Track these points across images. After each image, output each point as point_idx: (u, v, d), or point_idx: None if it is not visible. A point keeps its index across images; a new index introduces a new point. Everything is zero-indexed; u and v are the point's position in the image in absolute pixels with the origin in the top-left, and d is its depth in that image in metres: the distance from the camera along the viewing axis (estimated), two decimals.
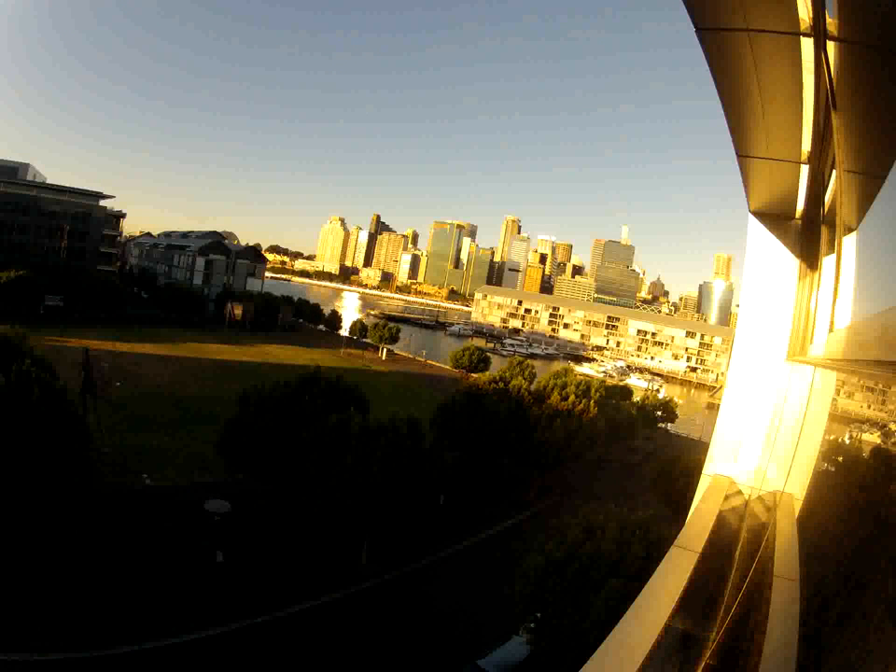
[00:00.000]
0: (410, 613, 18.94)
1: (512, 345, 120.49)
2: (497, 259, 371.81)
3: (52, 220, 71.74)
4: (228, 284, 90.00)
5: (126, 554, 18.80)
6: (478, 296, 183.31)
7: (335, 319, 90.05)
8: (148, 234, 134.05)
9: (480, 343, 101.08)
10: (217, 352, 57.77)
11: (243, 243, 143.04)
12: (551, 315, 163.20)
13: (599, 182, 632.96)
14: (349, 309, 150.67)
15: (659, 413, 55.32)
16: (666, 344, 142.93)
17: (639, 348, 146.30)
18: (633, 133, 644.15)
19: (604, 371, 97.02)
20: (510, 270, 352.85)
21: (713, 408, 78.22)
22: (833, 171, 3.66)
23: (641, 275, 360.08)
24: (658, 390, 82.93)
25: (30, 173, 79.28)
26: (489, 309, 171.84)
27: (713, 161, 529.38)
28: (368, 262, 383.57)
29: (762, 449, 5.36)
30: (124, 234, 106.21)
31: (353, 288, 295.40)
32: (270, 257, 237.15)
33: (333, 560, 21.01)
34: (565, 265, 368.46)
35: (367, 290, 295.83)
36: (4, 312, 48.68)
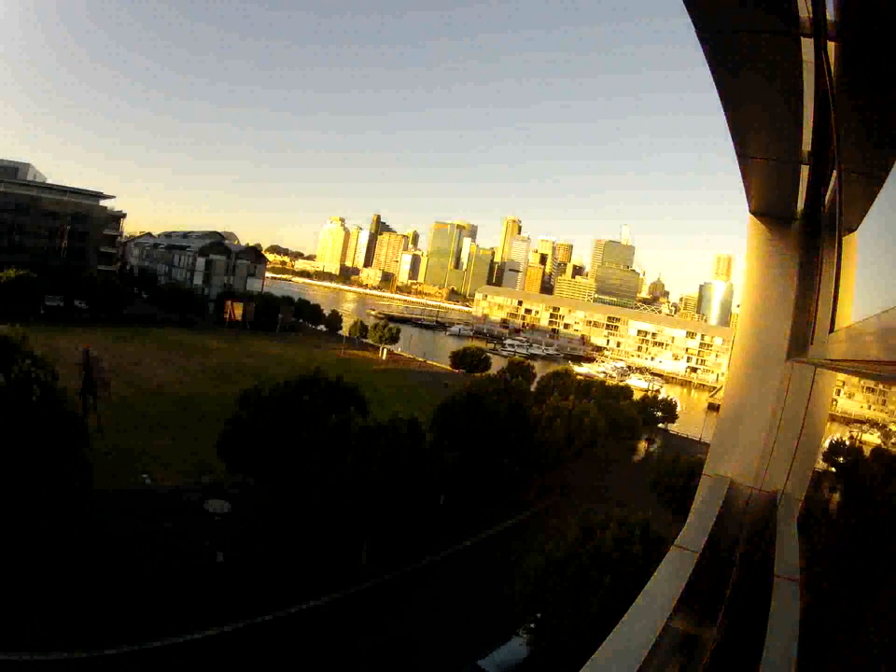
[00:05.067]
0: (410, 613, 18.95)
1: (512, 346, 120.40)
2: (497, 259, 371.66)
3: (52, 220, 71.70)
4: (228, 284, 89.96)
5: (126, 554, 18.81)
6: (478, 296, 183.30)
7: (335, 320, 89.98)
8: (149, 234, 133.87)
9: (480, 343, 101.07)
10: (217, 352, 57.77)
11: (243, 243, 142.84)
12: (551, 316, 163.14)
13: (599, 182, 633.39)
14: (349, 309, 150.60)
15: (659, 413, 55.34)
16: (667, 345, 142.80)
17: (640, 348, 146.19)
18: (633, 133, 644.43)
19: (604, 371, 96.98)
20: (510, 270, 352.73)
21: (714, 408, 78.24)
22: (833, 171, 3.66)
23: (641, 275, 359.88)
24: (658, 390, 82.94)
25: (30, 173, 79.18)
26: (489, 309, 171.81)
27: (713, 160, 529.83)
28: (368, 262, 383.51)
29: (762, 449, 5.36)
30: (124, 234, 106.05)
31: (353, 289, 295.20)
32: (270, 257, 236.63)
33: (333, 560, 21.01)
34: (565, 265, 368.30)
35: (367, 290, 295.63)
36: (4, 312, 48.69)
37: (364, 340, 78.71)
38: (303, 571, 20.00)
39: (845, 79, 2.45)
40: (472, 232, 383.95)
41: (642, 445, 49.32)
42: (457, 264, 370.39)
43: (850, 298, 3.47)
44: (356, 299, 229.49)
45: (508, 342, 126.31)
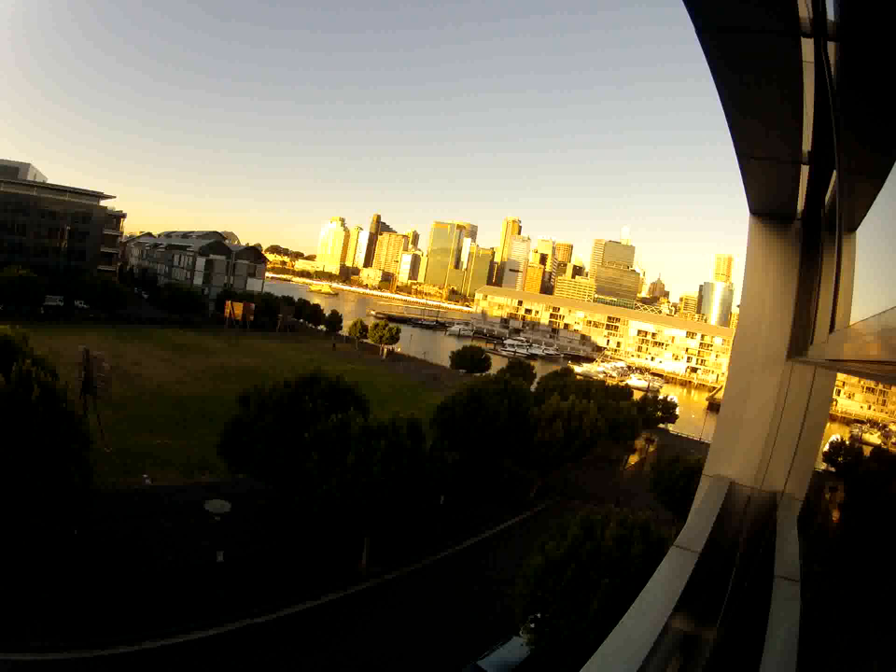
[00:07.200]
0: (410, 614, 18.95)
1: (512, 346, 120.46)
2: (497, 259, 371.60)
3: (52, 220, 71.74)
4: (228, 284, 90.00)
5: (126, 554, 18.81)
6: (478, 296, 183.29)
7: (335, 320, 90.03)
8: (149, 234, 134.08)
9: (480, 343, 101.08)
10: (218, 352, 57.78)
11: (243, 243, 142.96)
12: (551, 316, 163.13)
13: (599, 182, 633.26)
14: (349, 309, 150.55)
15: (659, 413, 55.35)
16: (667, 345, 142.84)
17: (640, 348, 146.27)
18: (633, 133, 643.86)
19: (604, 371, 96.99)
20: (510, 270, 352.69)
21: (714, 408, 78.29)
22: (833, 171, 3.66)
23: (641, 275, 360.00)
24: (658, 390, 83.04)
25: (30, 173, 79.21)
26: (490, 309, 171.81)
27: (713, 161, 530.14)
28: (368, 262, 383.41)
29: (762, 449, 5.36)
30: (125, 234, 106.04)
31: (353, 289, 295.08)
32: (270, 257, 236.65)
33: (333, 560, 21.01)
34: (565, 265, 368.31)
35: (367, 290, 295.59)
36: (4, 312, 48.73)
37: (364, 340, 78.71)
38: (303, 572, 19.99)
39: (845, 79, 2.45)
40: (472, 232, 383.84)
41: (642, 445, 49.34)
42: (457, 264, 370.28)
43: (850, 298, 3.46)
44: (356, 299, 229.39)
45: (508, 342, 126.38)
